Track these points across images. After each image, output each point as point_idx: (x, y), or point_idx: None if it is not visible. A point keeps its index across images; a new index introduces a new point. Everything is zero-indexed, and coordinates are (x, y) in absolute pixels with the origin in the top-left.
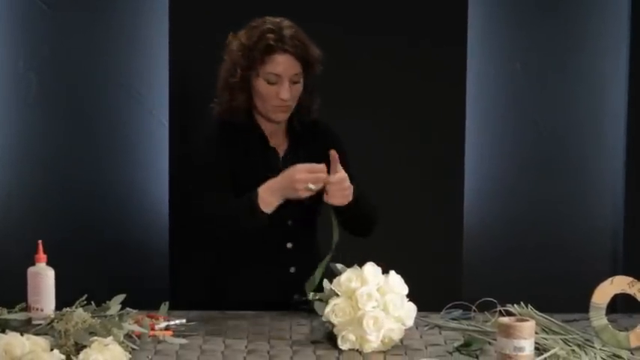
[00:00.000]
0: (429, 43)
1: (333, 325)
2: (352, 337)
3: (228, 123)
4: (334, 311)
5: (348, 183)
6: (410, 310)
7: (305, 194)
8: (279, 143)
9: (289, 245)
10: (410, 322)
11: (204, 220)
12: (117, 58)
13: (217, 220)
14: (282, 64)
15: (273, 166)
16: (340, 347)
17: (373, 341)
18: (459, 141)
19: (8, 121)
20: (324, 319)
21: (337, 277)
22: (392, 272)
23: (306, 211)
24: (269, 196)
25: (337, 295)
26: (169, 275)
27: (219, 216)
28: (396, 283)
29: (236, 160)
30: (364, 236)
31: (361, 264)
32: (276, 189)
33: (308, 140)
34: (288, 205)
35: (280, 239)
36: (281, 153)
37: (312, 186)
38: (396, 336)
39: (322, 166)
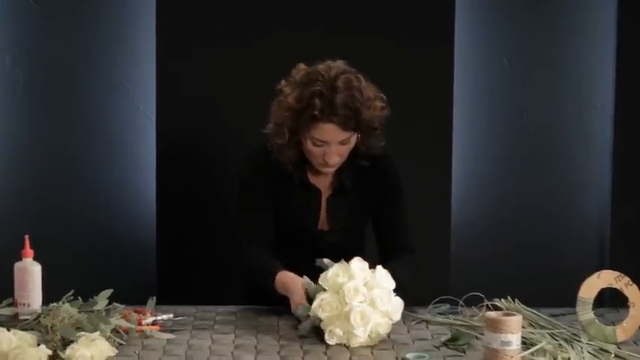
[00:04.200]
0: (415, 39)
1: (320, 320)
2: (339, 331)
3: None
4: (321, 306)
5: None
6: (397, 304)
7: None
8: (327, 182)
9: None
10: (397, 317)
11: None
12: (104, 54)
13: (244, 267)
14: (329, 133)
15: (312, 205)
16: (327, 342)
17: (360, 336)
18: (447, 137)
19: None
20: (311, 313)
21: (324, 272)
22: (379, 267)
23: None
24: (281, 287)
25: (324, 290)
26: (156, 270)
27: (246, 266)
28: (383, 278)
29: (277, 190)
30: None
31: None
32: (287, 289)
33: (358, 181)
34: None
35: None
36: (326, 193)
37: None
38: (384, 330)
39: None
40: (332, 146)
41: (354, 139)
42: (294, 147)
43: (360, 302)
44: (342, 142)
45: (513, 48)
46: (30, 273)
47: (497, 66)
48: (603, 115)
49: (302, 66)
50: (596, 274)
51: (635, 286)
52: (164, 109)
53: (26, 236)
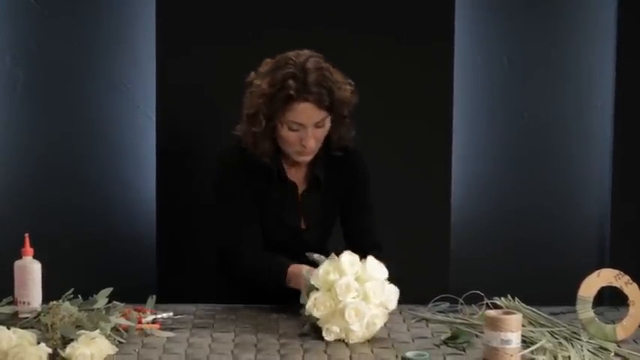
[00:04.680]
0: (415, 37)
1: (316, 319)
2: (336, 328)
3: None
4: (315, 305)
5: None
6: (391, 293)
7: None
8: (301, 177)
9: None
10: (393, 306)
11: (242, 262)
12: (104, 53)
13: (248, 269)
14: (304, 113)
15: (290, 201)
16: (326, 339)
17: (357, 331)
18: (447, 136)
19: None
20: (306, 312)
21: (315, 271)
22: (369, 258)
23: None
24: (294, 280)
25: (317, 289)
26: (156, 269)
27: (251, 267)
28: (375, 269)
29: (253, 187)
30: None
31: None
32: (299, 282)
33: (330, 172)
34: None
35: None
36: (300, 188)
37: None
38: (380, 321)
39: None
40: (308, 129)
41: (328, 122)
42: (269, 137)
43: (354, 298)
44: (317, 125)
45: (513, 47)
46: (30, 271)
47: (498, 65)
48: (603, 115)
49: (268, 60)
50: (596, 272)
51: (634, 285)
52: (164, 108)
53: (26, 235)
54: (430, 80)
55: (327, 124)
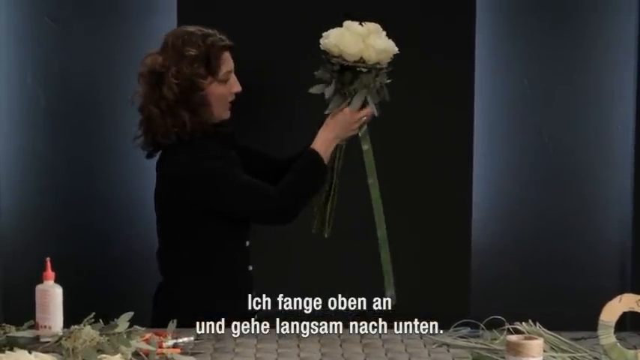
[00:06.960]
0: (436, 59)
1: None
2: None
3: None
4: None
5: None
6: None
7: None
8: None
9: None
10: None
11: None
12: (125, 73)
13: (300, 198)
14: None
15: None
16: None
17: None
18: (467, 156)
19: (16, 136)
20: None
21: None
22: None
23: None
24: (326, 150)
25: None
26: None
27: (297, 196)
28: None
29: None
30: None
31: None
32: (332, 138)
33: None
34: None
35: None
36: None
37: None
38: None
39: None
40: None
41: None
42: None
43: None
44: None
45: (533, 68)
46: (51, 295)
47: (518, 88)
48: (624, 137)
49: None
50: (618, 297)
51: None
52: None
53: (47, 259)
54: (450, 102)
55: None
